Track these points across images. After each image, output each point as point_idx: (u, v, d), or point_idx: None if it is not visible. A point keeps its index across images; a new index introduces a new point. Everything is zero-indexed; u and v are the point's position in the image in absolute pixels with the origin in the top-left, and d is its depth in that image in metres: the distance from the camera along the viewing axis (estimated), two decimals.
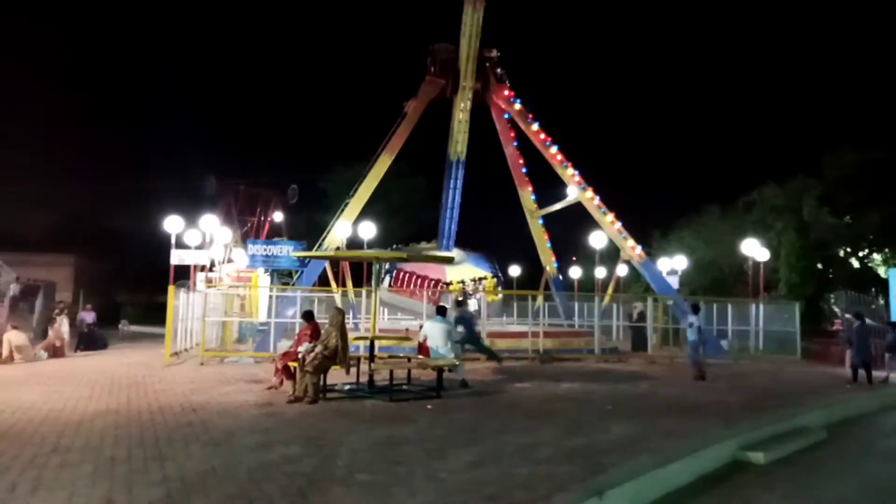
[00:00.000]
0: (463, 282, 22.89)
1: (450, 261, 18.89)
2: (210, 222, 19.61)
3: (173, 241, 17.18)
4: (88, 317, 21.03)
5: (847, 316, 15.77)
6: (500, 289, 23.75)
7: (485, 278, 23.43)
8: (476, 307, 21.46)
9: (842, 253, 30.69)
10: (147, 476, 5.66)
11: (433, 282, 22.74)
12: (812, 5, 53.22)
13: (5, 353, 15.46)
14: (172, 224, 17.17)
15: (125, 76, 67.20)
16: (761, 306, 20.51)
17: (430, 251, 23.58)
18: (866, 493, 6.83)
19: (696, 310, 14.73)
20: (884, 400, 12.85)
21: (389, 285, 22.73)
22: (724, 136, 53.58)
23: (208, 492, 5.26)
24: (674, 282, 23.52)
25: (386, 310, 25.51)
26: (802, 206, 28.94)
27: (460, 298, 15.89)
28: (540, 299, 20.75)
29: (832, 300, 25.73)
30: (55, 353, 17.07)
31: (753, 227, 27.70)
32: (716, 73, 64.03)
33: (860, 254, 30.80)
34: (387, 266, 22.63)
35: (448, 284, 22.77)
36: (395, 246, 25.35)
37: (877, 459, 8.53)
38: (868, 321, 21.16)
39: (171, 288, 16.05)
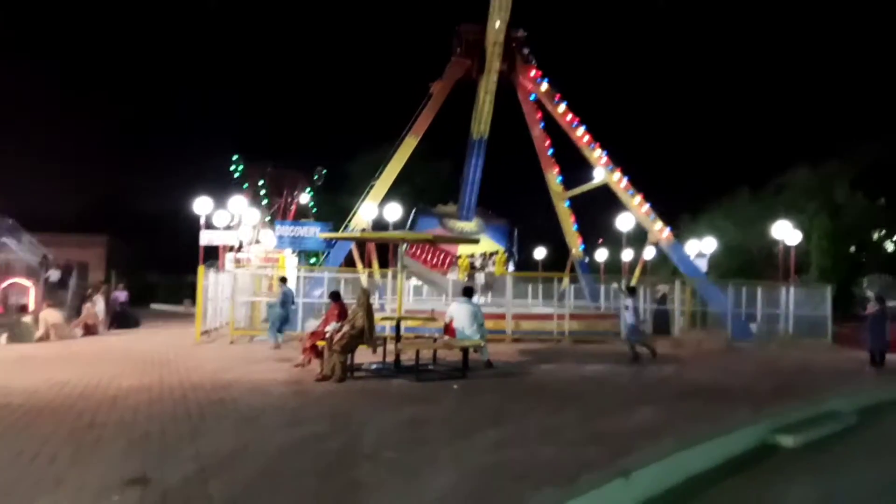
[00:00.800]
0: (472, 255, 22.82)
1: (475, 242, 18.83)
2: (238, 203, 19.80)
3: (202, 222, 17.40)
4: (121, 296, 21.49)
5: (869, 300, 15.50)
6: (511, 264, 23.55)
7: (496, 253, 23.31)
8: (483, 281, 21.47)
9: (875, 237, 30.06)
10: (180, 451, 5.80)
11: (443, 252, 22.75)
12: None
13: (41, 330, 15.86)
14: (202, 205, 17.39)
15: (156, 58, 67.84)
16: (791, 290, 20.16)
17: (451, 215, 23.59)
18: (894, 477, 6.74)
19: (632, 292, 14.77)
20: None
21: (406, 249, 22.87)
22: (755, 118, 52.50)
23: (239, 467, 5.37)
24: (702, 265, 23.21)
25: (412, 290, 25.65)
26: (835, 189, 28.35)
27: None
28: (566, 281, 20.65)
29: (865, 284, 25.26)
30: (88, 330, 17.48)
31: (785, 210, 27.20)
32: (750, 53, 62.67)
33: (894, 238, 30.13)
34: (406, 228, 22.90)
35: (458, 258, 22.74)
36: (420, 205, 25.31)
37: None
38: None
39: (200, 268, 16.30)
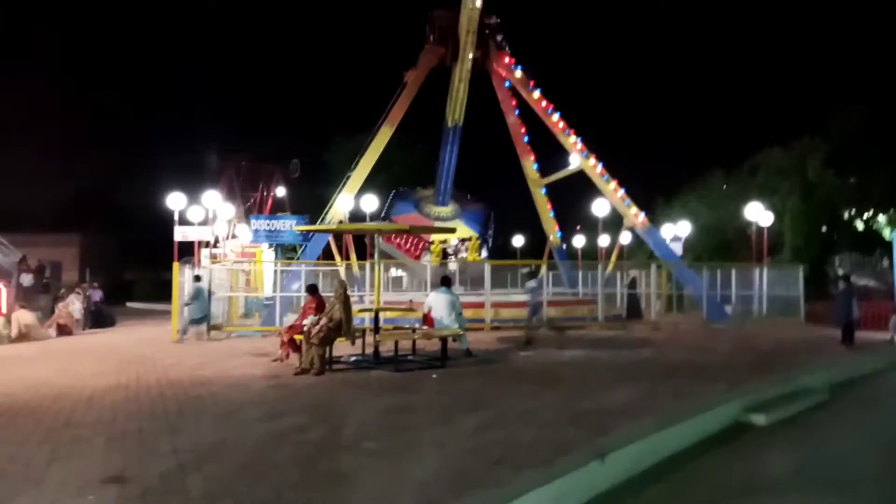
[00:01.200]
0: (445, 241, 22.90)
1: (451, 232, 18.85)
2: (213, 198, 19.61)
3: (176, 217, 17.23)
4: (95, 295, 21.22)
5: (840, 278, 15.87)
6: (484, 250, 23.65)
7: (469, 239, 23.39)
8: (455, 268, 21.58)
9: (846, 216, 30.59)
10: (158, 448, 5.78)
11: (418, 237, 22.84)
12: None
13: (15, 331, 15.64)
14: (175, 201, 17.19)
15: (126, 51, 66.62)
16: (765, 270, 20.50)
17: (427, 199, 23.64)
18: (864, 451, 6.93)
19: (533, 275, 15.27)
20: (887, 361, 12.93)
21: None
22: (728, 99, 52.79)
23: (219, 461, 5.37)
24: (677, 248, 23.49)
25: (391, 282, 25.67)
26: (808, 168, 28.76)
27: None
28: (543, 269, 20.80)
29: (836, 263, 25.73)
30: (63, 331, 17.27)
31: (759, 191, 27.56)
32: (719, 33, 63.08)
33: (865, 216, 30.68)
34: (382, 211, 23.00)
35: (430, 243, 22.81)
36: (399, 189, 25.28)
37: (876, 418, 8.64)
38: (872, 283, 21.28)
39: (175, 265, 16.16)
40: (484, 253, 23.36)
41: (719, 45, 59.81)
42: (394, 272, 26.53)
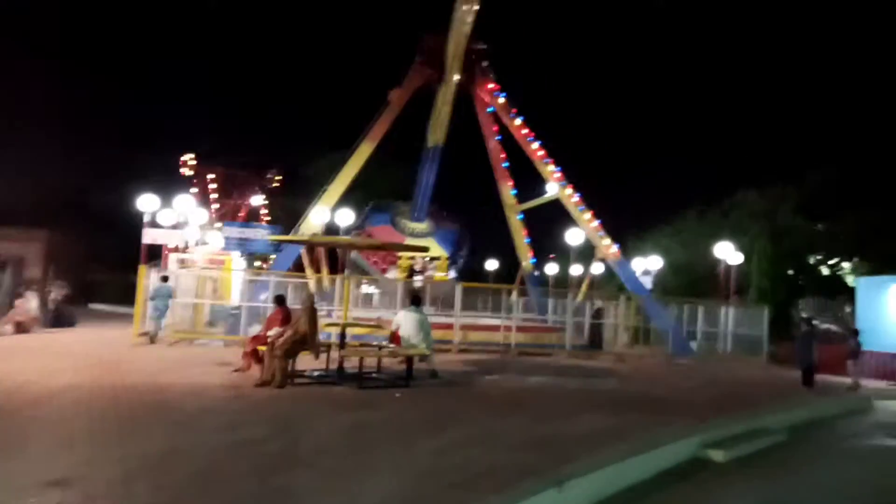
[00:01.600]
0: (413, 258, 22.89)
1: (424, 251, 18.83)
2: (185, 202, 19.37)
3: (146, 219, 16.97)
4: (57, 293, 20.71)
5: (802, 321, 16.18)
6: (453, 270, 23.63)
7: (437, 258, 23.39)
8: (419, 286, 21.55)
9: (813, 261, 31.23)
10: (107, 453, 5.61)
11: (386, 251, 22.86)
12: (797, 16, 53.73)
13: None
14: (146, 203, 16.95)
15: (103, 49, 65.94)
16: (731, 309, 20.78)
17: (404, 214, 23.62)
18: (819, 493, 7.00)
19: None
20: (845, 405, 13.15)
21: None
22: (707, 141, 53.95)
23: (168, 470, 5.23)
24: (647, 282, 23.74)
25: (360, 299, 25.48)
26: (778, 213, 29.39)
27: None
28: (514, 294, 20.82)
29: (801, 306, 26.20)
30: (19, 328, 16.81)
31: (730, 231, 28.05)
32: (702, 79, 64.58)
33: (830, 262, 31.35)
34: (358, 222, 22.94)
35: (399, 257, 22.79)
36: (377, 201, 25.22)
37: (832, 462, 8.74)
38: (834, 328, 21.67)
39: (141, 267, 15.88)
40: (452, 273, 23.35)
41: (703, 89, 61.23)
42: (366, 288, 26.35)
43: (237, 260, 20.57)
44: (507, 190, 25.14)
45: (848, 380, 15.11)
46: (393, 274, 22.50)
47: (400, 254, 22.88)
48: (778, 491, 6.99)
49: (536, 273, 26.96)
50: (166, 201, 18.47)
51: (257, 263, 25.50)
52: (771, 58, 55.90)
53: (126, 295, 33.79)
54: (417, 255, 22.46)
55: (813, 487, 7.24)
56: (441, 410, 8.64)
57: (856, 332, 16.13)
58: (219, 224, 28.20)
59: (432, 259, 23.27)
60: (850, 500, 6.88)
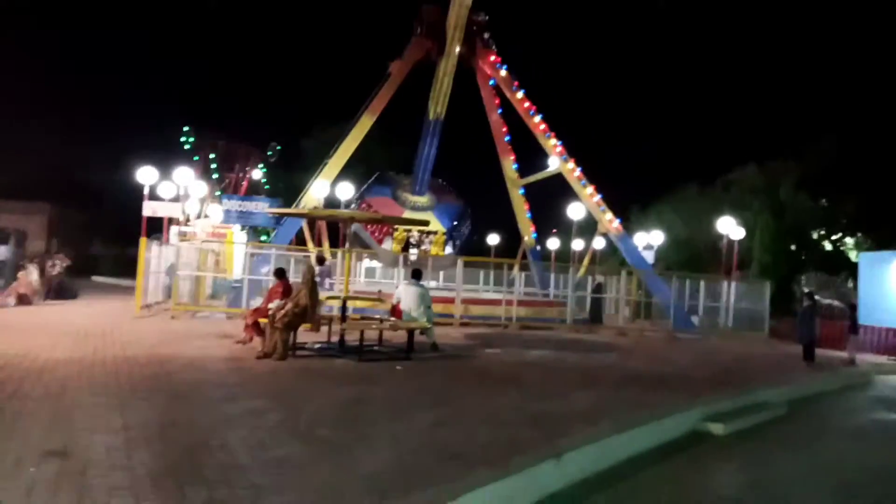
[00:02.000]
0: (409, 230, 22.76)
1: (424, 224, 18.67)
2: (185, 175, 19.26)
3: (146, 192, 16.89)
4: (59, 266, 20.70)
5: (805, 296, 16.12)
6: (449, 246, 23.52)
7: (435, 233, 23.28)
8: (414, 259, 21.50)
9: (815, 236, 31.15)
10: (106, 424, 5.61)
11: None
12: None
13: None
14: (146, 175, 16.85)
15: (104, 23, 65.18)
16: (733, 284, 20.75)
17: (405, 186, 23.49)
18: (816, 467, 7.02)
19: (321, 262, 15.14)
20: (845, 380, 13.19)
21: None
22: (708, 115, 53.37)
23: (168, 440, 5.24)
24: (649, 256, 23.69)
25: (363, 271, 25.48)
26: (780, 189, 29.23)
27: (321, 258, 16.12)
28: (516, 269, 20.80)
29: (803, 281, 26.18)
30: (22, 300, 16.84)
31: (731, 207, 27.93)
32: (706, 52, 63.78)
33: (833, 237, 31.26)
34: (356, 195, 22.84)
35: (395, 229, 22.67)
36: (377, 174, 25.06)
37: (831, 436, 8.77)
38: (837, 303, 21.66)
39: (142, 240, 15.85)
40: (449, 249, 23.24)
41: (704, 64, 60.50)
42: (367, 262, 26.30)
43: (238, 234, 20.54)
44: (509, 164, 24.98)
45: (846, 354, 15.14)
46: (388, 244, 22.40)
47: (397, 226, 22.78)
48: (776, 463, 7.01)
49: (538, 247, 26.91)
50: (166, 175, 18.36)
51: (264, 238, 25.39)
52: (774, 30, 55.20)
53: (125, 268, 33.94)
54: (414, 228, 22.30)
55: (809, 461, 7.25)
56: (441, 384, 8.65)
57: (853, 307, 16.12)
58: (217, 193, 28.11)
59: (428, 233, 23.15)
60: (846, 473, 6.90)
